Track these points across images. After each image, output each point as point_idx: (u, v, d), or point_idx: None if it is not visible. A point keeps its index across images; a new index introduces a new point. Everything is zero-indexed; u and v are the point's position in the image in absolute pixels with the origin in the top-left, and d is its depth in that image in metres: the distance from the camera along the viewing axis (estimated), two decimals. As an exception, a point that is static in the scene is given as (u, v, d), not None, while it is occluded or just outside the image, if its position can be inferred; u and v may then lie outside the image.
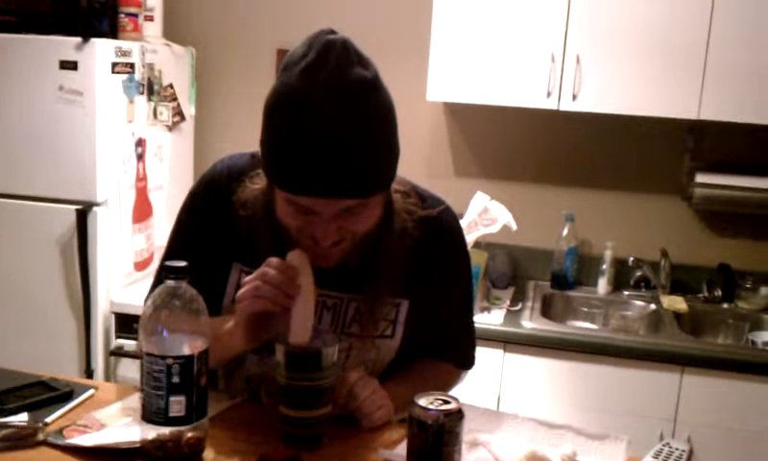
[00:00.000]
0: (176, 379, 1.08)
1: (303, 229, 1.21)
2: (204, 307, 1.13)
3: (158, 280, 1.35)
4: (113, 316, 2.79)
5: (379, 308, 1.34)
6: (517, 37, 2.75)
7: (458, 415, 1.05)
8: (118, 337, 2.80)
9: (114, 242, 2.79)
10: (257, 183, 1.30)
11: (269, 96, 1.16)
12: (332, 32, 1.16)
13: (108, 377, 2.82)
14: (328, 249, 1.22)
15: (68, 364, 2.77)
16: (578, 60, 2.71)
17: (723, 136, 2.97)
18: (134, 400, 1.30)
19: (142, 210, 2.95)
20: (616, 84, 2.70)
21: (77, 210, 2.66)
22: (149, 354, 1.09)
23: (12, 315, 2.81)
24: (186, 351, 1.09)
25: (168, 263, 1.12)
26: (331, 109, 1.10)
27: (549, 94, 2.75)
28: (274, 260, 1.20)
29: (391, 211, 1.29)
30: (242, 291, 1.19)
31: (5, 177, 2.74)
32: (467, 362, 1.55)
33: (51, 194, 2.71)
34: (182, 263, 1.11)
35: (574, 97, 2.73)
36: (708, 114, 2.66)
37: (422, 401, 1.05)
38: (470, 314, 1.54)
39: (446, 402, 1.05)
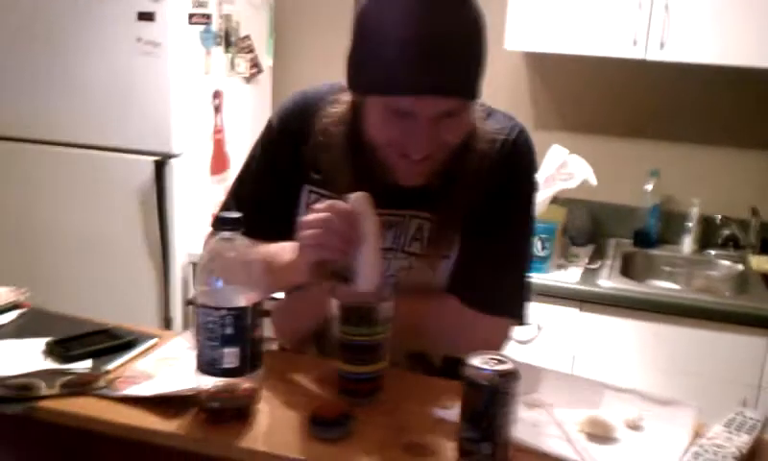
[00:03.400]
0: (229, 331, 1.08)
1: (395, 142, 1.20)
2: (261, 256, 1.13)
3: (226, 207, 1.41)
4: (191, 266, 2.85)
5: (450, 229, 1.31)
6: (602, -17, 2.63)
7: (513, 375, 1.00)
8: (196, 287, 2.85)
9: (192, 193, 2.83)
10: (337, 108, 1.31)
11: (362, 6, 1.17)
12: None
13: (186, 326, 2.88)
14: (418, 163, 1.20)
15: (148, 314, 2.84)
16: (666, 7, 2.57)
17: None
18: (174, 350, 1.32)
19: (219, 162, 2.98)
20: (706, 32, 2.56)
21: (155, 162, 2.70)
22: (203, 305, 1.08)
23: (93, 266, 2.89)
24: (240, 302, 1.08)
25: (222, 214, 1.11)
26: (430, 7, 1.12)
27: (635, 42, 2.62)
28: (337, 206, 1.17)
29: (473, 133, 1.27)
30: (305, 235, 1.16)
31: (84, 128, 2.80)
32: (505, 308, 1.34)
33: (129, 146, 2.76)
34: (236, 214, 1.10)
35: (662, 45, 2.59)
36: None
37: (476, 361, 1.02)
38: (521, 255, 1.38)
39: (501, 362, 1.01)
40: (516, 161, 1.32)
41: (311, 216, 1.17)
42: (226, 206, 1.42)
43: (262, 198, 1.39)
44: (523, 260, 1.38)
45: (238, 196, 1.43)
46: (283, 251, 1.25)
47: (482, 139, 1.30)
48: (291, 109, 1.39)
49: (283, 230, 1.29)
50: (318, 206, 1.18)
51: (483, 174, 1.29)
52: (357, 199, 1.18)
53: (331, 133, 1.32)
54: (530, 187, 1.37)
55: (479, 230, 1.31)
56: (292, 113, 1.39)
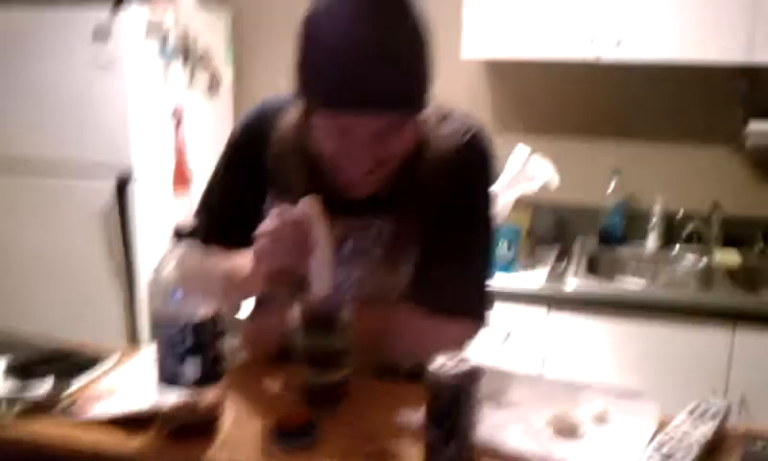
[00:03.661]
0: (189, 342, 1.06)
1: (337, 157, 1.19)
2: (219, 268, 1.11)
3: (201, 217, 1.39)
4: (156, 283, 2.81)
5: (407, 234, 1.30)
6: (557, -15, 2.65)
7: (475, 375, 1.00)
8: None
9: (155, 210, 2.80)
10: (291, 117, 1.30)
11: (305, 15, 1.15)
12: None
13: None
14: (362, 177, 1.19)
15: (114, 334, 2.80)
16: (621, 4, 2.59)
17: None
18: (136, 366, 1.31)
19: (181, 178, 2.95)
20: (662, 28, 2.59)
21: (116, 179, 2.67)
22: (161, 317, 1.07)
23: (57, 288, 2.86)
24: (199, 313, 1.07)
25: (180, 225, 1.10)
26: (367, 21, 1.09)
27: (592, 41, 2.64)
28: (286, 213, 1.16)
29: (423, 140, 1.27)
30: (258, 247, 1.16)
31: (41, 147, 2.77)
32: (465, 310, 1.32)
33: (88, 163, 2.73)
34: (193, 225, 1.09)
35: (618, 43, 2.61)
36: (762, 57, 2.52)
37: (439, 362, 1.01)
38: (479, 257, 1.36)
39: (463, 362, 1.01)
40: (470, 165, 1.32)
41: (262, 227, 1.17)
42: (196, 217, 1.41)
43: (229, 208, 1.38)
44: (481, 262, 1.36)
45: (206, 206, 1.42)
46: (240, 262, 1.24)
47: (435, 145, 1.29)
48: (252, 117, 1.39)
49: (250, 240, 1.27)
50: (271, 212, 1.18)
51: (437, 178, 1.29)
52: (306, 204, 1.17)
53: (286, 142, 1.31)
54: (485, 189, 1.36)
55: (436, 233, 1.30)
56: (253, 122, 1.38)
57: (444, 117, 1.33)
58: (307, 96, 1.18)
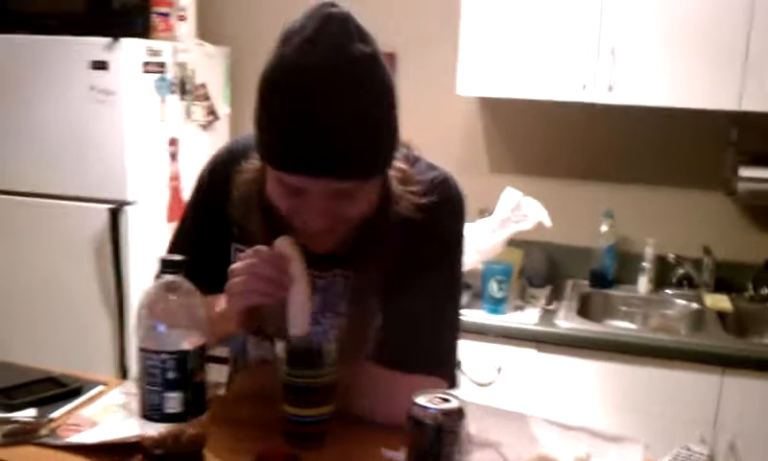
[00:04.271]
0: (171, 375, 1.06)
1: (293, 212, 1.16)
2: (202, 301, 1.11)
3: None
4: (147, 315, 2.80)
5: (369, 288, 1.26)
6: (550, 28, 2.69)
7: (458, 414, 1.00)
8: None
9: (148, 241, 2.80)
10: (252, 164, 1.26)
11: (264, 70, 1.11)
12: (333, 4, 1.11)
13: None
14: (320, 235, 1.17)
15: (103, 363, 2.78)
16: (613, 52, 2.63)
17: (768, 128, 2.86)
18: (120, 396, 1.31)
19: (176, 209, 2.96)
20: (653, 75, 2.62)
21: (109, 209, 2.68)
22: (144, 349, 1.07)
23: (47, 315, 2.84)
24: (182, 345, 1.07)
25: (164, 257, 1.10)
26: (326, 84, 1.05)
27: (584, 86, 2.67)
28: (262, 251, 1.16)
29: (387, 197, 1.22)
30: (233, 283, 1.15)
31: (37, 176, 2.78)
32: (429, 368, 1.25)
33: (83, 194, 2.73)
34: (179, 257, 1.09)
35: (610, 88, 2.65)
36: (751, 105, 2.55)
37: (421, 400, 1.01)
38: (447, 317, 1.31)
39: (446, 401, 1.01)
40: (439, 216, 1.27)
41: (237, 264, 1.16)
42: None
43: (196, 251, 1.30)
44: (447, 318, 1.31)
45: (175, 248, 1.40)
46: (215, 301, 1.22)
47: (400, 197, 1.23)
48: (218, 160, 1.37)
49: (218, 285, 1.21)
50: (243, 253, 1.17)
51: (405, 231, 1.23)
52: (282, 242, 1.17)
53: (245, 189, 1.27)
54: (456, 240, 1.32)
55: (404, 287, 1.25)
56: (218, 166, 1.36)
57: (412, 164, 1.28)
58: (260, 150, 1.15)
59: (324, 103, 1.05)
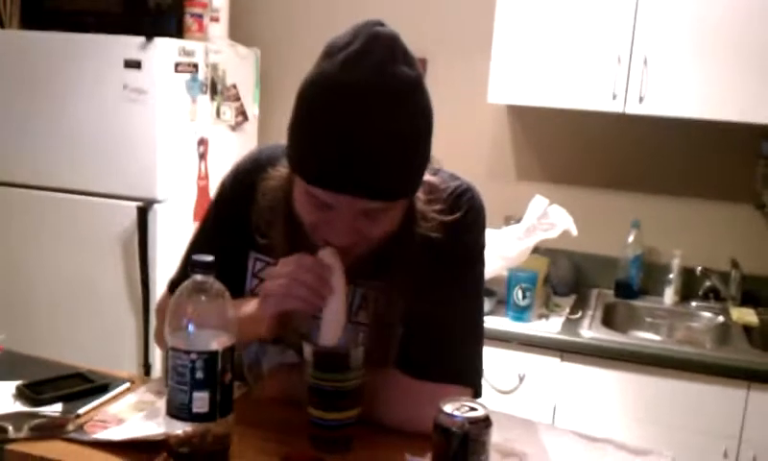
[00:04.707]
0: (200, 375, 1.07)
1: (318, 226, 1.16)
2: (231, 303, 1.12)
3: (184, 267, 1.38)
4: (173, 313, 2.83)
5: (393, 298, 1.25)
6: (583, 38, 2.68)
7: (484, 423, 1.00)
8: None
9: (175, 239, 2.83)
10: (279, 172, 1.26)
11: (304, 81, 1.11)
12: (381, 24, 1.10)
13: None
14: (342, 249, 1.16)
15: (127, 359, 2.81)
16: (645, 62, 2.62)
17: (801, 143, 2.82)
18: (146, 394, 1.31)
19: (203, 209, 2.98)
20: (685, 86, 2.60)
21: (138, 207, 2.70)
22: (173, 349, 1.08)
23: (74, 310, 2.88)
24: (211, 346, 1.08)
25: (195, 258, 1.11)
26: (368, 104, 1.04)
27: (615, 96, 2.66)
28: (307, 259, 1.16)
29: (412, 217, 1.21)
30: (272, 285, 1.15)
31: (68, 172, 2.82)
32: (453, 377, 1.25)
33: (113, 191, 2.77)
34: (209, 258, 1.10)
35: (641, 99, 2.64)
36: (783, 119, 2.53)
37: (448, 408, 1.01)
38: (471, 326, 1.31)
39: (473, 409, 1.01)
40: (461, 228, 1.26)
41: (277, 267, 1.16)
42: (182, 266, 1.41)
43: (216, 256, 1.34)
44: (471, 327, 1.31)
45: (192, 253, 1.41)
46: (245, 303, 1.23)
47: (423, 210, 1.23)
48: (243, 169, 1.37)
49: (231, 293, 1.17)
50: (285, 259, 1.17)
51: (423, 245, 1.23)
52: (326, 253, 1.17)
53: (270, 197, 1.27)
54: (474, 254, 1.31)
55: (423, 298, 1.24)
56: (242, 173, 1.36)
57: (434, 175, 1.28)
58: (296, 164, 1.14)
59: (363, 122, 1.04)
